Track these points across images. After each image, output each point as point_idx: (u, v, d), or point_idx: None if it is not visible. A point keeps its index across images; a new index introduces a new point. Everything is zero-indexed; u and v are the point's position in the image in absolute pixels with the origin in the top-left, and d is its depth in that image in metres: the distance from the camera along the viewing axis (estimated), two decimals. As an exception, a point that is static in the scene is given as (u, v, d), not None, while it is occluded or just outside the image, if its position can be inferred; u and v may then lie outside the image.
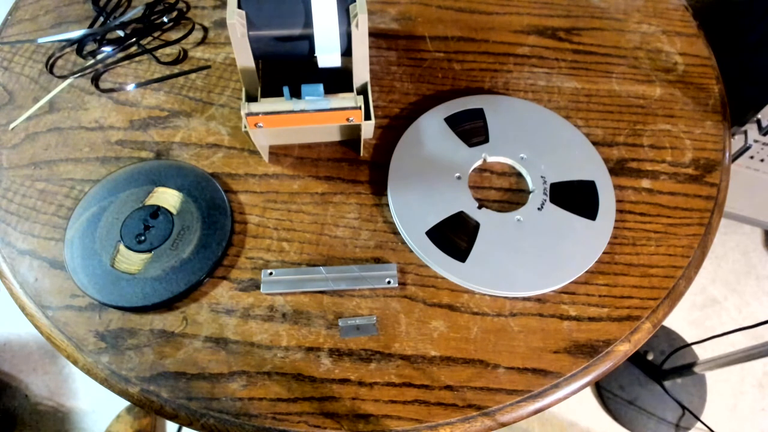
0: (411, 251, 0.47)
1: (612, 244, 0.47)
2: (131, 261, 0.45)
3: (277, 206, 0.49)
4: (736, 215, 1.19)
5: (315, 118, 0.44)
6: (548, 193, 0.49)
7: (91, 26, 0.59)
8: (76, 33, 0.58)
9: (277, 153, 0.52)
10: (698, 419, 1.05)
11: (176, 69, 0.57)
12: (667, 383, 1.09)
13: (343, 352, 0.42)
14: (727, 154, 0.53)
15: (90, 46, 0.58)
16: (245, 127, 0.45)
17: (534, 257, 0.45)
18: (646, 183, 0.51)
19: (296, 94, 0.45)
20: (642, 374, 1.11)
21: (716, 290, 1.23)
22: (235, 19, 0.40)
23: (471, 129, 0.52)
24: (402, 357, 0.42)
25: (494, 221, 0.47)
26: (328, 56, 0.44)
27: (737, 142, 0.96)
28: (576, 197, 0.48)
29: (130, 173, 0.49)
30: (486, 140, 0.51)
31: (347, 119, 0.45)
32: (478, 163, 0.51)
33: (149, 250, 0.45)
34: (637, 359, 1.12)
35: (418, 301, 0.45)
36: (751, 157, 0.99)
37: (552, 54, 0.58)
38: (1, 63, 0.57)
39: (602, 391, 1.10)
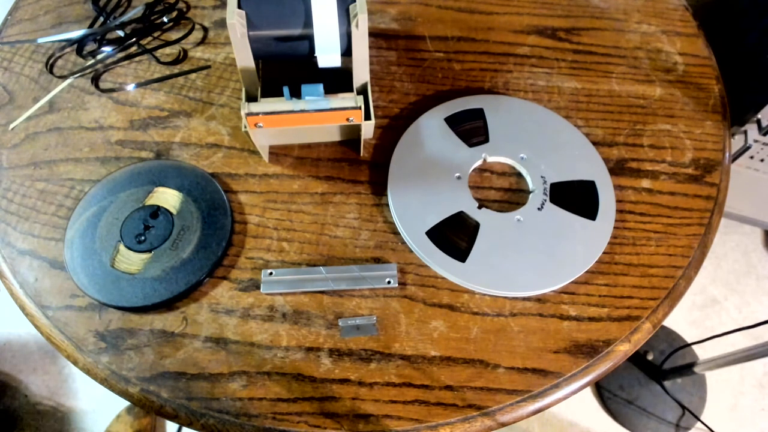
0: (411, 251, 0.46)
1: (612, 244, 0.47)
2: (131, 261, 0.45)
3: (277, 206, 0.49)
4: (736, 215, 1.18)
5: (315, 118, 0.44)
6: (548, 193, 0.48)
7: (91, 26, 0.59)
8: (76, 33, 0.58)
9: (277, 153, 0.52)
10: (698, 419, 1.05)
11: (176, 69, 0.57)
12: (667, 383, 1.09)
13: (343, 352, 0.42)
14: (727, 154, 0.53)
15: (90, 46, 0.58)
16: (245, 127, 0.45)
17: (534, 257, 0.45)
18: (646, 183, 0.51)
19: (296, 94, 0.45)
20: (642, 374, 1.11)
21: (716, 290, 1.23)
22: (235, 19, 0.40)
23: (471, 129, 0.52)
24: (402, 357, 0.42)
25: (494, 221, 0.47)
26: (328, 56, 0.44)
27: (737, 142, 0.96)
28: (576, 197, 0.48)
29: (130, 173, 0.49)
30: (486, 140, 0.51)
31: (347, 119, 0.45)
32: (478, 163, 0.51)
33: (149, 250, 0.45)
34: (637, 359, 1.12)
35: (418, 301, 0.45)
36: (751, 157, 0.99)
37: (552, 54, 0.58)
38: (1, 63, 0.57)
39: (602, 391, 1.10)
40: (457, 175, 0.49)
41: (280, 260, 0.46)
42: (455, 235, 0.46)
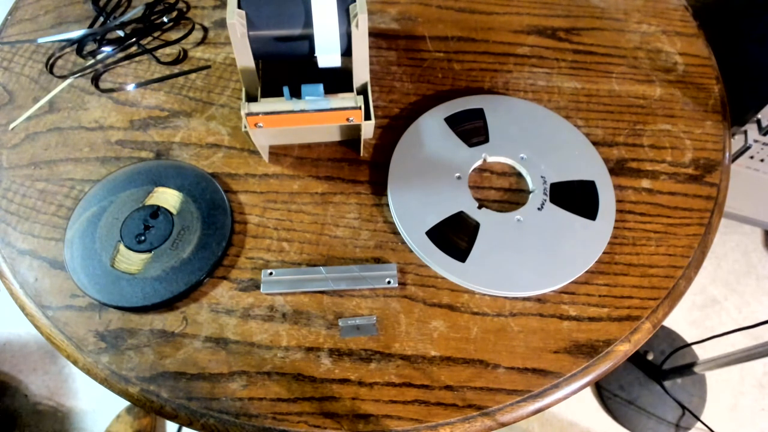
0: (411, 251, 0.46)
1: (612, 244, 0.47)
2: (131, 261, 0.45)
3: (277, 206, 0.49)
4: (736, 215, 1.18)
5: (315, 118, 0.44)
6: (548, 193, 0.48)
7: (91, 26, 0.59)
8: (76, 33, 0.58)
9: (277, 153, 0.52)
10: (698, 419, 1.05)
11: (176, 69, 0.57)
12: (667, 383, 1.09)
13: (343, 352, 0.42)
14: (727, 154, 0.53)
15: (90, 46, 0.58)
16: (245, 127, 0.45)
17: (534, 257, 0.45)
18: (646, 183, 0.51)
19: (296, 94, 0.45)
20: (642, 374, 1.11)
21: (716, 290, 1.23)
22: (235, 19, 0.40)
23: (471, 129, 0.52)
24: (402, 357, 0.42)
25: (494, 221, 0.47)
26: (328, 56, 0.44)
27: (737, 142, 0.96)
28: (576, 197, 0.48)
29: (130, 173, 0.49)
30: (486, 140, 0.51)
31: (347, 119, 0.45)
32: (478, 163, 0.51)
33: (149, 250, 0.45)
34: (637, 359, 1.12)
35: (418, 301, 0.45)
36: (751, 157, 0.99)
37: (552, 54, 0.58)
38: (1, 63, 0.57)
39: (602, 391, 1.10)
40: (457, 175, 0.49)
41: (280, 260, 0.46)
42: (455, 235, 0.46)
